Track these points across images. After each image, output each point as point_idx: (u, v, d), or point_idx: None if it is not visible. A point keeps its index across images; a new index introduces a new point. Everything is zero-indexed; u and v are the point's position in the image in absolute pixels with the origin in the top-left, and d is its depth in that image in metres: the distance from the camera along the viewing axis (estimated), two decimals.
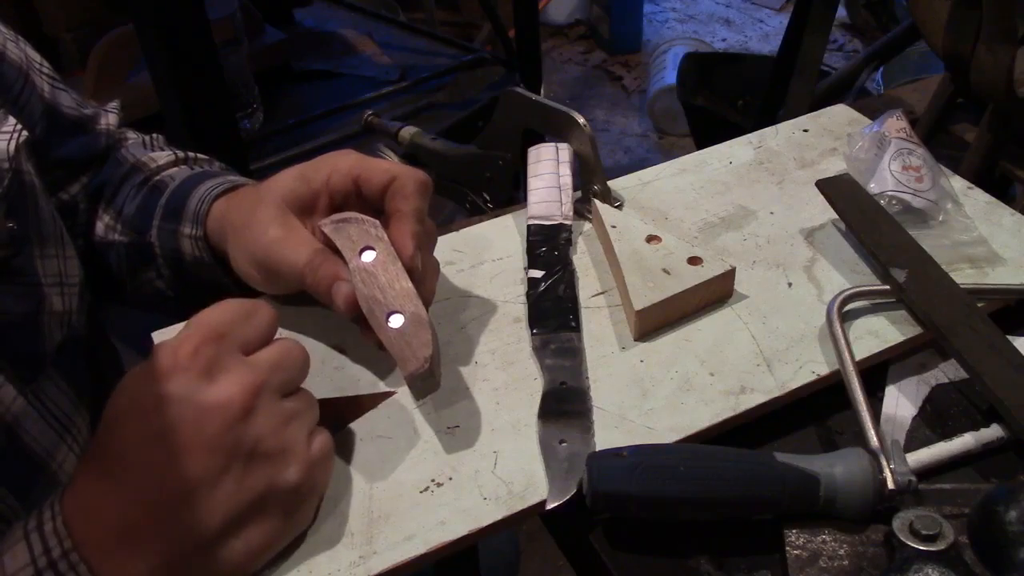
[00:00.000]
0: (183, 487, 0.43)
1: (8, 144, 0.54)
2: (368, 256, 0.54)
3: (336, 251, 0.55)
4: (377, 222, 0.56)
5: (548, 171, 0.70)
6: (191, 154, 0.74)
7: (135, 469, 0.43)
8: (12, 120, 0.56)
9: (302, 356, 0.49)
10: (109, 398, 0.45)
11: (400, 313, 0.52)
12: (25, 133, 0.56)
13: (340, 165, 0.58)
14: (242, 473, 0.44)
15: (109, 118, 0.72)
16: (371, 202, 0.58)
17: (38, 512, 0.44)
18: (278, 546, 0.47)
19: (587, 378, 0.57)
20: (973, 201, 0.72)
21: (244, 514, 0.44)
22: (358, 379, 0.58)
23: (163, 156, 0.71)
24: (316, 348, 0.60)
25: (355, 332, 0.57)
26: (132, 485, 0.43)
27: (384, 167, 0.57)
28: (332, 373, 0.59)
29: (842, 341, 0.56)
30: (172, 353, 0.45)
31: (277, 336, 0.49)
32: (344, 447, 0.54)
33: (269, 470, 0.45)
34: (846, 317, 0.60)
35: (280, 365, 0.47)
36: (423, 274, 0.56)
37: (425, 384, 0.52)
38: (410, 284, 0.53)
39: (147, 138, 0.75)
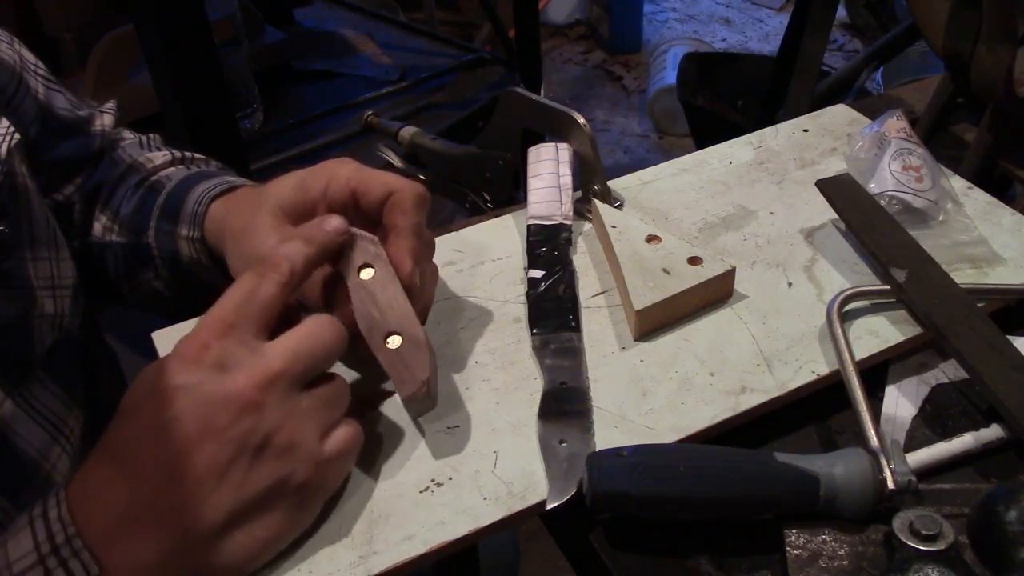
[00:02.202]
0: (188, 478, 0.43)
1: (0, 147, 0.54)
2: (366, 274, 0.54)
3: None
4: (376, 239, 0.55)
5: (548, 171, 0.70)
6: (188, 154, 0.73)
7: (142, 458, 0.44)
8: (5, 122, 0.56)
9: (331, 337, 0.48)
10: (128, 389, 0.46)
11: (398, 335, 0.52)
12: (18, 136, 0.56)
13: (338, 175, 0.58)
14: (249, 467, 0.44)
15: (104, 119, 0.72)
16: (369, 215, 0.57)
17: (44, 500, 0.45)
18: (283, 542, 0.47)
19: (587, 378, 0.57)
20: (973, 201, 0.72)
21: (249, 508, 0.44)
22: (358, 379, 0.58)
23: (160, 156, 0.71)
24: None
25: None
26: (138, 474, 0.44)
27: (382, 180, 0.57)
28: None
29: (842, 341, 0.56)
30: (185, 347, 0.45)
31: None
32: None
33: (276, 466, 0.45)
34: (846, 317, 0.60)
35: (300, 353, 0.47)
36: (421, 282, 0.55)
37: (422, 405, 0.52)
38: (409, 305, 0.53)
39: (144, 138, 0.75)
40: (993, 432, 0.54)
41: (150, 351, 0.61)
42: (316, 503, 0.48)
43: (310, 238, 0.52)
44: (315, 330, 0.48)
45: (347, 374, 0.58)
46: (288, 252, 0.50)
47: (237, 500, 0.44)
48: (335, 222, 0.53)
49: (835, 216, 0.69)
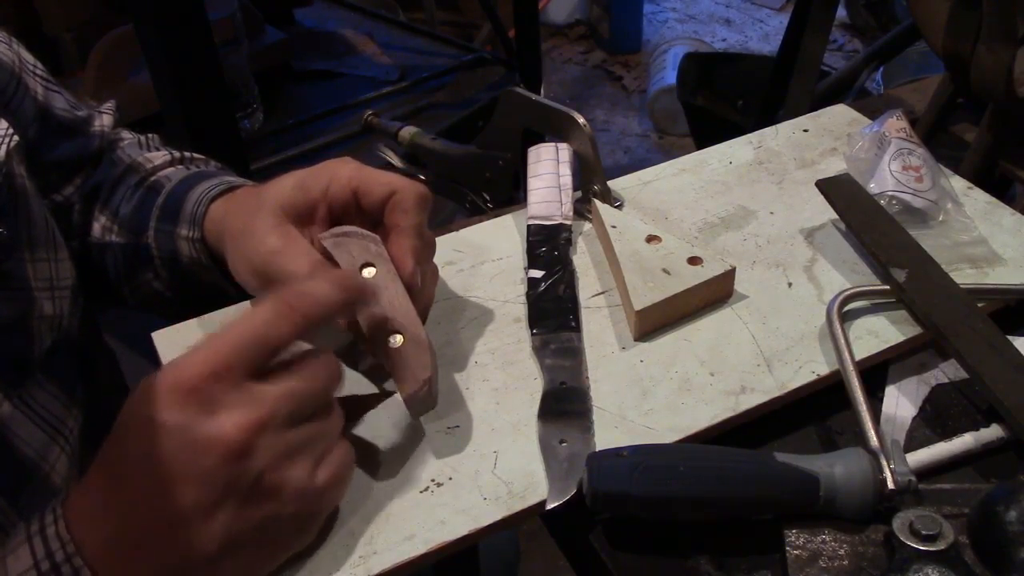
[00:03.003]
0: (177, 514, 0.42)
1: None
2: (368, 273, 0.54)
3: (335, 263, 0.55)
4: (378, 238, 0.55)
5: (548, 171, 0.70)
6: (187, 154, 0.73)
7: (134, 485, 0.43)
8: (4, 123, 0.55)
9: (327, 379, 0.47)
10: (127, 398, 0.44)
11: (400, 334, 0.52)
12: (16, 137, 0.56)
13: (339, 175, 0.57)
14: (239, 508, 0.43)
15: (103, 119, 0.72)
16: (370, 214, 0.57)
17: (41, 515, 0.44)
18: (279, 563, 0.47)
19: (587, 378, 0.57)
20: (973, 201, 0.72)
21: (242, 543, 0.44)
22: (358, 379, 0.58)
23: (159, 156, 0.71)
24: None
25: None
26: (130, 502, 0.43)
27: (384, 180, 0.57)
28: None
29: (842, 341, 0.56)
30: (175, 378, 0.43)
31: (304, 348, 0.47)
32: None
33: (267, 505, 0.44)
34: (846, 317, 0.60)
35: (294, 394, 0.45)
36: (422, 282, 0.55)
37: (423, 404, 0.52)
38: (410, 304, 0.53)
39: (143, 138, 0.74)
40: (993, 432, 0.54)
41: (150, 351, 0.61)
42: (309, 531, 0.48)
43: (346, 288, 0.49)
44: (313, 371, 0.46)
45: (346, 381, 0.58)
46: (319, 296, 0.47)
47: (226, 536, 0.43)
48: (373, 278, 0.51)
49: (835, 216, 0.69)
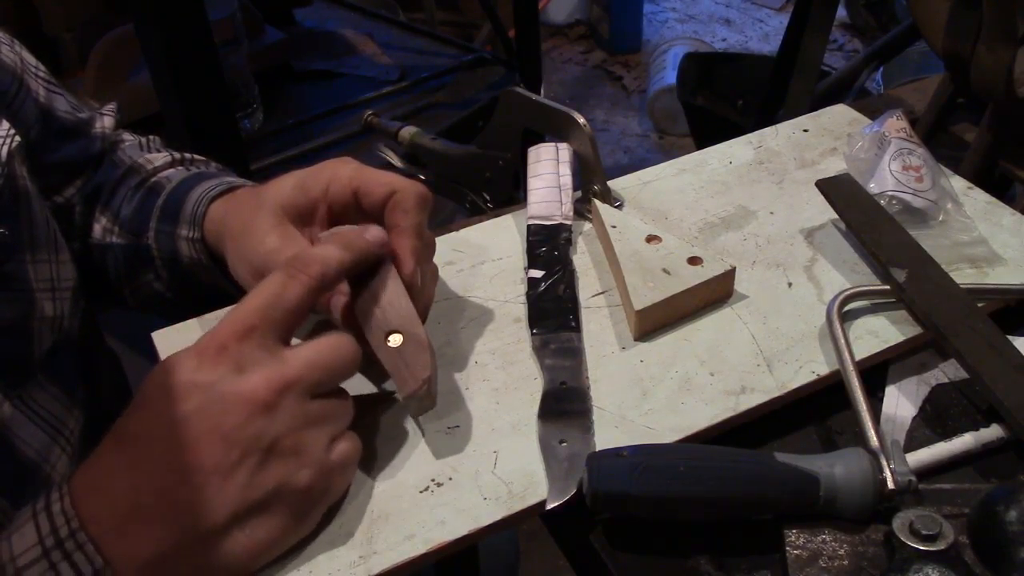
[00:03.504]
0: (195, 474, 0.43)
1: (1, 149, 0.54)
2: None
3: None
4: None
5: (548, 171, 0.70)
6: (187, 155, 0.73)
7: (151, 451, 0.44)
8: (6, 125, 0.56)
9: (348, 355, 0.48)
10: (144, 380, 0.46)
11: (399, 333, 0.52)
12: (18, 138, 0.56)
13: (339, 175, 0.58)
14: (256, 468, 0.44)
15: (105, 121, 0.72)
16: (370, 214, 0.57)
17: (46, 493, 0.44)
18: (282, 546, 0.47)
19: (587, 378, 0.57)
20: (973, 201, 0.72)
21: (252, 509, 0.44)
22: (358, 379, 0.58)
23: (159, 158, 0.71)
24: None
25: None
26: (145, 467, 0.44)
27: (384, 180, 0.57)
28: None
29: (842, 341, 0.56)
30: (205, 345, 0.45)
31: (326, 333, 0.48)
32: None
33: (283, 469, 0.45)
34: (846, 317, 0.60)
35: (317, 364, 0.47)
36: (422, 282, 0.56)
37: (422, 404, 0.52)
38: (410, 304, 0.53)
39: (143, 140, 0.75)
40: (993, 432, 0.54)
41: (151, 352, 0.61)
42: (318, 510, 0.48)
43: (349, 245, 0.51)
44: (336, 344, 0.48)
45: (346, 380, 0.58)
46: (323, 255, 0.50)
47: (241, 500, 0.44)
48: (376, 232, 0.53)
49: (835, 216, 0.69)
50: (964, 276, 0.63)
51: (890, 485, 0.48)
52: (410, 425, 0.55)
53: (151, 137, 0.75)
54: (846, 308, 0.60)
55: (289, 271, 0.48)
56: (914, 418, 0.57)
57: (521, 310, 0.63)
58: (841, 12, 2.58)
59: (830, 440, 0.56)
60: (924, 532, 0.45)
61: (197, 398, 0.44)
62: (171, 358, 0.46)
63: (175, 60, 1.07)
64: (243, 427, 0.44)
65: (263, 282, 0.48)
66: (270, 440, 0.44)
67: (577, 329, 0.61)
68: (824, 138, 0.80)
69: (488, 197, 0.81)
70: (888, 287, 0.62)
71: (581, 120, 0.68)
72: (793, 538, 0.49)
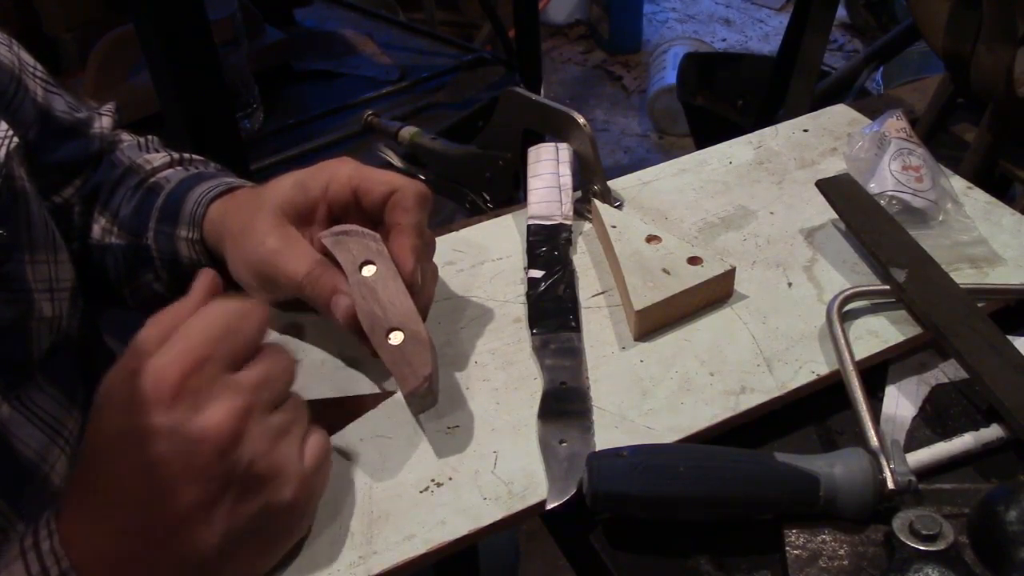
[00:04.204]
0: (176, 518, 0.42)
1: None
2: (368, 271, 0.54)
3: (335, 263, 0.55)
4: (378, 236, 0.55)
5: (548, 171, 0.70)
6: (186, 155, 0.73)
7: (126, 501, 0.43)
8: (4, 125, 0.55)
9: (288, 364, 0.48)
10: (91, 411, 0.44)
11: (400, 331, 0.52)
12: (16, 139, 0.56)
13: (339, 174, 0.58)
14: (237, 498, 0.43)
15: (103, 121, 0.72)
16: (370, 214, 0.57)
17: (34, 530, 0.44)
18: (276, 559, 0.47)
19: (587, 378, 0.57)
20: (973, 201, 0.72)
21: (241, 536, 0.44)
22: (358, 379, 0.58)
23: (158, 158, 0.71)
24: (315, 349, 0.60)
25: (354, 337, 0.57)
26: (123, 517, 0.43)
27: (384, 179, 0.57)
28: (332, 373, 0.59)
29: (842, 341, 0.56)
30: (156, 382, 0.42)
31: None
32: (344, 447, 0.54)
33: (264, 492, 0.44)
34: (846, 317, 0.60)
35: (267, 381, 0.46)
36: (422, 280, 0.55)
37: (423, 401, 0.52)
38: (410, 302, 0.53)
39: (142, 140, 0.74)
40: (993, 432, 0.54)
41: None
42: (308, 515, 0.48)
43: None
44: (274, 356, 0.47)
45: (346, 381, 0.58)
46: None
47: (228, 532, 0.43)
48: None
49: (835, 216, 0.69)
50: (964, 276, 0.63)
51: (890, 485, 0.48)
52: (410, 425, 0.55)
53: (150, 137, 0.75)
54: (846, 308, 0.60)
55: (243, 306, 0.46)
56: (914, 418, 0.57)
57: (521, 310, 0.63)
58: (841, 12, 2.58)
59: (830, 440, 0.56)
60: (924, 532, 0.45)
61: (163, 443, 0.42)
62: (119, 396, 0.43)
63: (175, 60, 1.07)
64: (216, 463, 0.42)
65: (211, 310, 0.45)
66: (244, 467, 0.43)
67: (577, 329, 0.61)
68: (824, 138, 0.80)
69: (488, 197, 0.81)
70: (888, 287, 0.62)
71: (581, 120, 0.68)
72: (793, 538, 0.49)
